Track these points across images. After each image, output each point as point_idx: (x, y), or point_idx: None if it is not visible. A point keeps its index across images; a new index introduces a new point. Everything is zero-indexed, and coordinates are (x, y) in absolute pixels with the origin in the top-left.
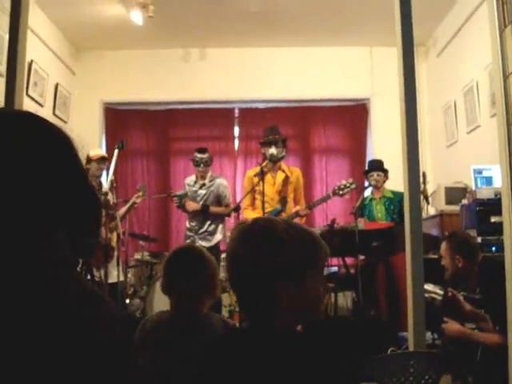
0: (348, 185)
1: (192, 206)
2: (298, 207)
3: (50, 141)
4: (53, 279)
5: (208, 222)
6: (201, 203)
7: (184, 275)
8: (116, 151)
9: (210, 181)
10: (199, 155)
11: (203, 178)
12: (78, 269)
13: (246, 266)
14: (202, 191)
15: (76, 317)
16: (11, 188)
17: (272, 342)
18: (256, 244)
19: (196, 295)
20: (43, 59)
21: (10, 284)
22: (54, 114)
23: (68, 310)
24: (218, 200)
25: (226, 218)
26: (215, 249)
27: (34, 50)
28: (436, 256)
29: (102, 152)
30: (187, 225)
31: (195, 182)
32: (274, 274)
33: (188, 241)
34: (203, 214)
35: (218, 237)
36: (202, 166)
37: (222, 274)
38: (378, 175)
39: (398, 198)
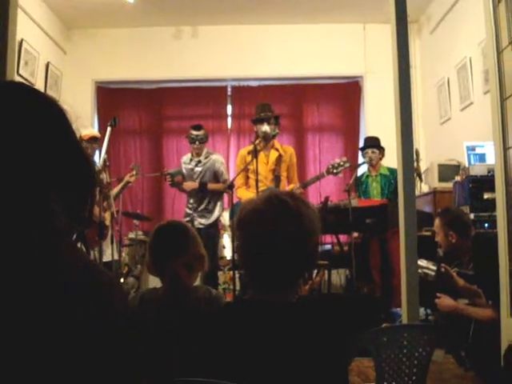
0: (342, 163)
1: (189, 185)
2: (291, 186)
3: (44, 110)
4: (47, 250)
5: (206, 200)
6: (198, 181)
7: (168, 257)
8: (108, 129)
9: (206, 157)
10: (194, 132)
11: (198, 155)
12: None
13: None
14: (198, 168)
15: (70, 287)
16: (4, 156)
17: (290, 313)
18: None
19: (183, 275)
20: (34, 38)
21: (5, 255)
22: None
23: (62, 282)
24: (215, 176)
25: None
26: (214, 226)
27: (24, 28)
28: (429, 233)
29: (94, 131)
30: (187, 203)
31: (191, 160)
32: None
33: (187, 219)
34: (201, 192)
35: (216, 214)
36: (197, 142)
37: (223, 253)
38: (372, 152)
39: (393, 175)
